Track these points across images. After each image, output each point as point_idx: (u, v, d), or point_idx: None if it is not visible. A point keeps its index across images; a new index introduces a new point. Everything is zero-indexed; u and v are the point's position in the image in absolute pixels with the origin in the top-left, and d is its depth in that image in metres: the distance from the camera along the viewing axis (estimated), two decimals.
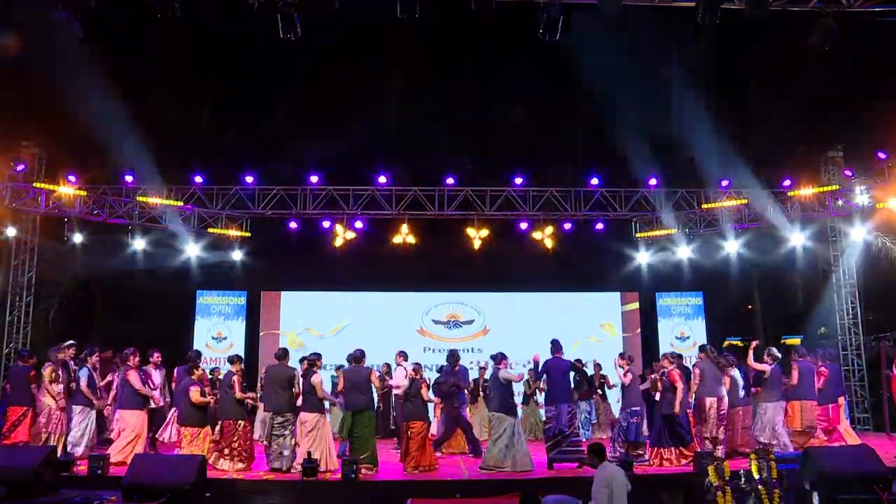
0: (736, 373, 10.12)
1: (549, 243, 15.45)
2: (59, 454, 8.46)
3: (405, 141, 15.58)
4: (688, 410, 9.60)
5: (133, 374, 9.45)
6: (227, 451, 8.94)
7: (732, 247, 15.92)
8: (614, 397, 13.33)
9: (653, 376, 9.91)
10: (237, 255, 16.19)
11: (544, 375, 9.51)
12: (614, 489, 6.41)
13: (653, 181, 15.20)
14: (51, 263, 15.35)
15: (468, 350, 15.50)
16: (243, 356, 10.75)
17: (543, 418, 13.11)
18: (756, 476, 7.13)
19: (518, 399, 10.50)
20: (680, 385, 9.33)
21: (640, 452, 9.50)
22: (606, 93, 13.81)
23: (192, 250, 15.82)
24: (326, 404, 9.62)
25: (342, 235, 15.06)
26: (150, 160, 14.03)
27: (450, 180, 15.11)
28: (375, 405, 9.48)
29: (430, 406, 10.44)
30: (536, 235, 15.46)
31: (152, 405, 9.85)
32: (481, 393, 12.59)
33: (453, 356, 10.59)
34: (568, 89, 14.76)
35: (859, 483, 6.93)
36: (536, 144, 15.63)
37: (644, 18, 9.85)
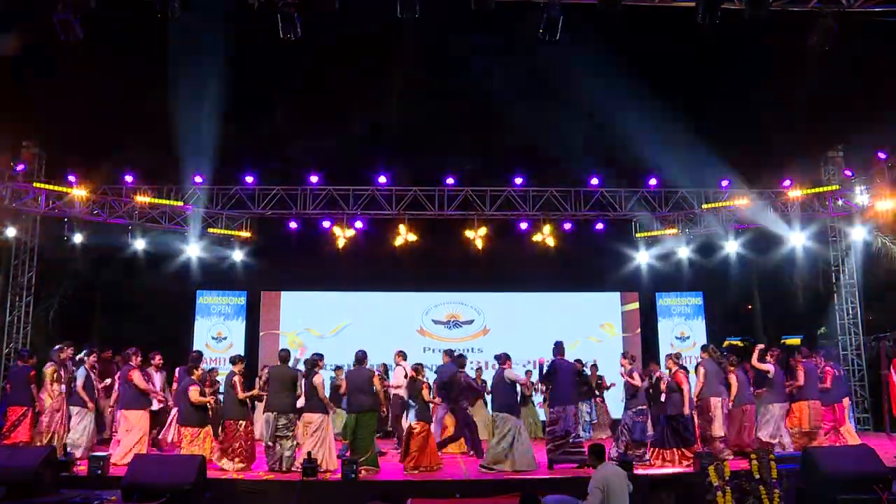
0: (739, 373, 10.12)
1: (549, 243, 15.45)
2: (59, 454, 8.47)
3: (405, 141, 15.57)
4: (692, 411, 9.61)
5: (136, 374, 9.47)
6: (228, 451, 8.97)
7: (732, 247, 15.92)
8: (613, 397, 13.36)
9: (657, 374, 9.93)
10: (237, 255, 16.19)
11: (552, 377, 9.51)
12: (612, 490, 6.40)
13: (653, 181, 15.21)
14: (51, 263, 15.37)
15: (468, 350, 15.49)
16: (243, 356, 10.74)
17: (542, 418, 13.16)
18: (756, 476, 7.13)
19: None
20: (686, 386, 9.35)
21: (642, 452, 9.51)
22: (607, 93, 13.81)
23: (192, 250, 15.82)
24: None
25: (343, 235, 15.07)
26: (150, 160, 14.04)
27: (450, 180, 15.11)
28: (380, 407, 9.48)
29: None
30: (536, 236, 15.46)
31: (154, 406, 9.85)
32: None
33: (460, 358, 10.74)
34: (567, 89, 14.74)
35: (859, 483, 6.94)
36: (537, 144, 15.60)
37: (637, 17, 9.81)
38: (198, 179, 14.85)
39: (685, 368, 10.01)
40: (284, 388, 8.94)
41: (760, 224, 15.06)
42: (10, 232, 14.35)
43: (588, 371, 13.21)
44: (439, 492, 8.00)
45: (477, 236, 15.20)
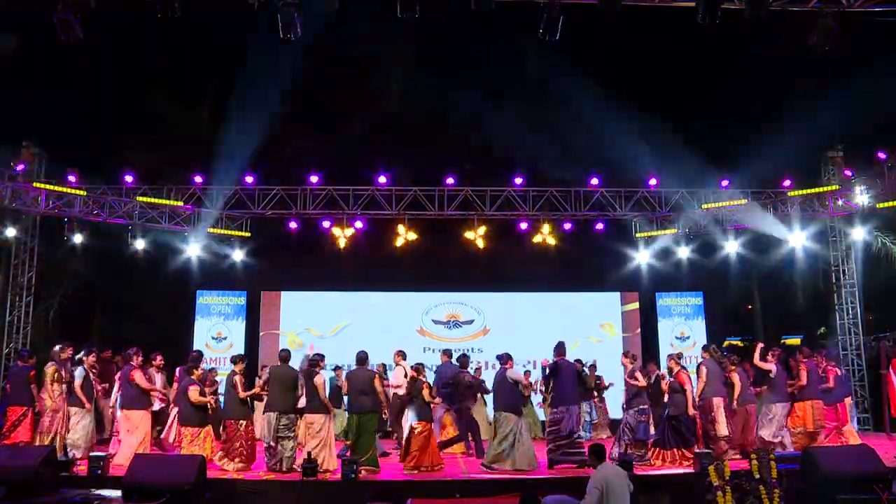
0: (740, 372, 10.12)
1: (549, 243, 15.45)
2: (59, 454, 8.47)
3: (405, 141, 15.57)
4: (694, 412, 9.61)
5: (138, 373, 9.46)
6: (230, 451, 8.97)
7: (732, 247, 15.91)
8: (613, 397, 13.36)
9: (656, 374, 9.93)
10: (237, 255, 16.19)
11: (554, 377, 9.50)
12: (612, 490, 6.39)
13: (653, 181, 15.20)
14: (51, 263, 15.37)
15: (468, 350, 15.48)
16: (244, 356, 10.74)
17: (542, 418, 13.16)
18: (756, 476, 7.13)
19: None
20: (689, 386, 9.35)
21: (643, 452, 9.51)
22: (606, 93, 13.83)
23: (193, 250, 15.82)
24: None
25: (343, 235, 15.07)
26: (150, 160, 14.05)
27: (450, 180, 15.09)
28: (381, 409, 9.48)
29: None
30: (536, 237, 15.46)
31: (156, 406, 9.85)
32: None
33: (463, 358, 10.77)
34: (567, 89, 14.75)
35: (859, 483, 6.94)
36: (537, 144, 15.61)
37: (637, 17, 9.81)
38: (198, 179, 14.85)
39: (686, 369, 10.01)
40: (285, 388, 8.93)
41: (757, 228, 15.06)
42: (10, 232, 14.33)
43: (587, 371, 13.21)
44: (439, 492, 7.99)
45: (477, 236, 15.20)
